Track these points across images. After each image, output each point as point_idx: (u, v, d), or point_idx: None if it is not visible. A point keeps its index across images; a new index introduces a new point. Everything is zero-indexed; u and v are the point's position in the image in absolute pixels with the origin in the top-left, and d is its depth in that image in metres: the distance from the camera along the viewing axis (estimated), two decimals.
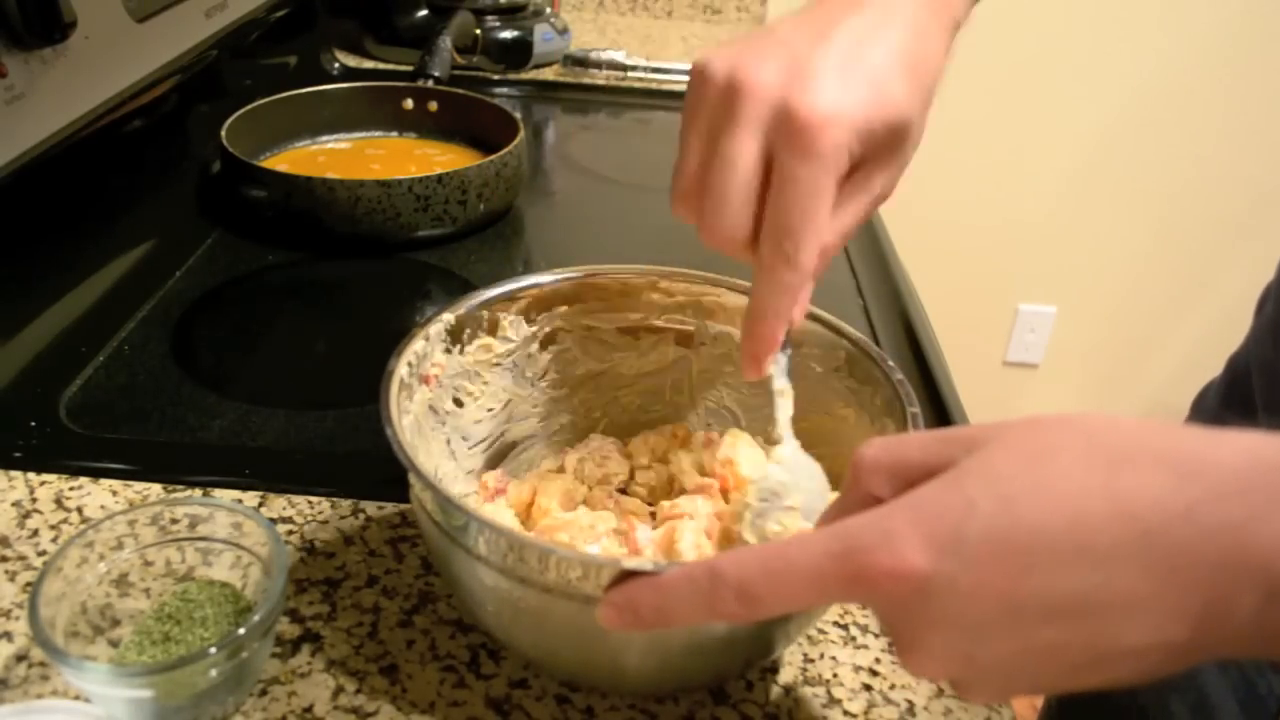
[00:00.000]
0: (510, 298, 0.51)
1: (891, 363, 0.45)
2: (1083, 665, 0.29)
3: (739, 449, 0.49)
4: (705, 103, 0.39)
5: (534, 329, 0.53)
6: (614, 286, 0.52)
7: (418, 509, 0.42)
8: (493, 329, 0.51)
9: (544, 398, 0.54)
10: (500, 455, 0.53)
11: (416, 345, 0.47)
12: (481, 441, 0.52)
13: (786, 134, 0.37)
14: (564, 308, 0.53)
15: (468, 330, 0.50)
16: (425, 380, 0.48)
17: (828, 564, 0.30)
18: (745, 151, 0.38)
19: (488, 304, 0.50)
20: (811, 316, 0.49)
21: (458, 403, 0.51)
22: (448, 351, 0.49)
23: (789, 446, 0.44)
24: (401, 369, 0.45)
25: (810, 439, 0.50)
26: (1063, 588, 0.28)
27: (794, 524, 0.42)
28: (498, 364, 0.52)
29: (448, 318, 0.49)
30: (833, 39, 0.38)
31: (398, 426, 0.41)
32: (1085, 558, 0.27)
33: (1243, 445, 0.28)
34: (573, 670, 0.43)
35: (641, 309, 0.53)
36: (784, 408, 0.44)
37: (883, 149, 0.39)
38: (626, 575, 0.34)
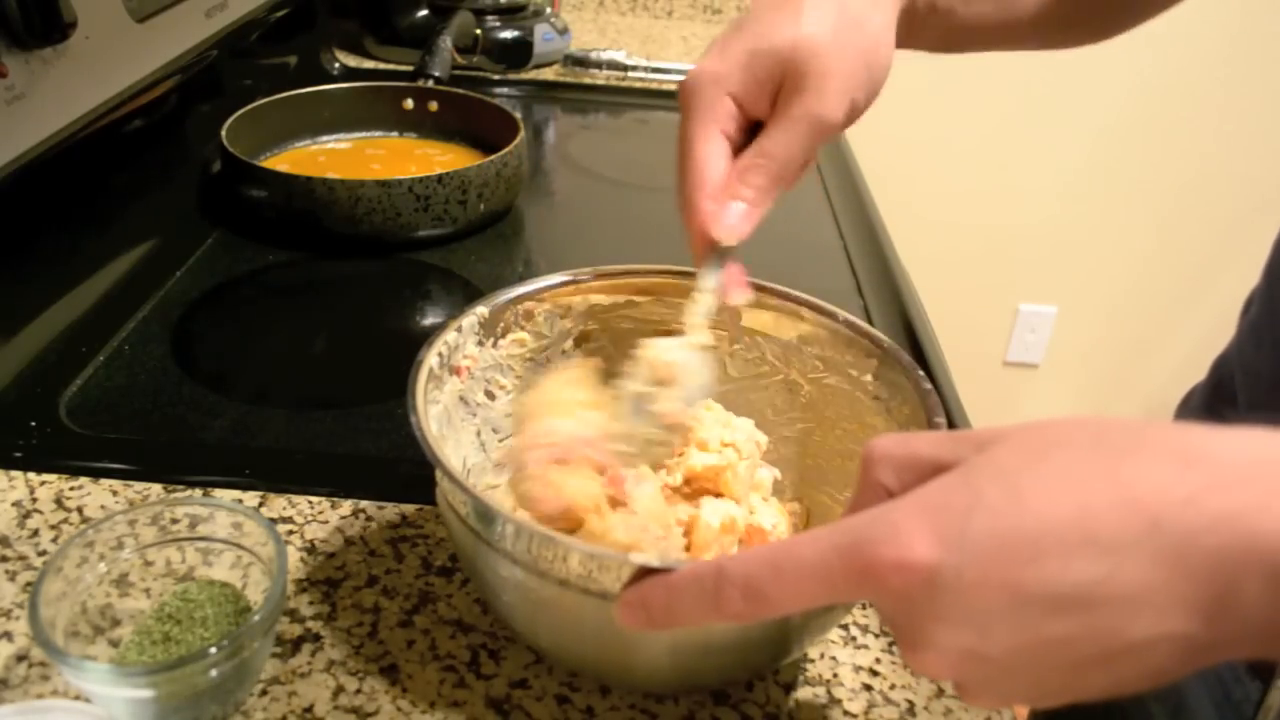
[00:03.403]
0: (544, 293, 0.51)
1: (921, 373, 0.45)
2: (1090, 662, 0.29)
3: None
4: None
5: (568, 325, 0.53)
6: (650, 286, 0.53)
7: (441, 500, 0.42)
8: (527, 324, 0.51)
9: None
10: None
11: (448, 336, 0.47)
12: (512, 434, 0.52)
13: (680, 100, 0.44)
14: (599, 305, 0.53)
15: (501, 324, 0.50)
16: (456, 371, 0.48)
17: (834, 559, 0.30)
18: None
19: (522, 299, 0.51)
20: (848, 324, 0.49)
21: (489, 395, 0.51)
22: (480, 344, 0.50)
23: (699, 338, 0.45)
24: (431, 359, 0.45)
25: (840, 445, 0.50)
26: (1069, 578, 0.28)
27: (673, 409, 0.43)
28: (531, 359, 0.52)
29: (481, 310, 0.49)
30: (729, 26, 0.44)
31: (422, 415, 0.41)
32: (1092, 547, 0.27)
33: (1244, 438, 0.28)
34: (602, 669, 0.43)
35: (677, 309, 0.53)
36: (705, 302, 0.45)
37: (789, 75, 0.42)
38: (643, 573, 0.34)
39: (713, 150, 0.43)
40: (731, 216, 0.43)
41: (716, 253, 0.44)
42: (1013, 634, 0.29)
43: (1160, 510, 0.27)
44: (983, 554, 0.28)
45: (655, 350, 0.43)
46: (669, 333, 0.53)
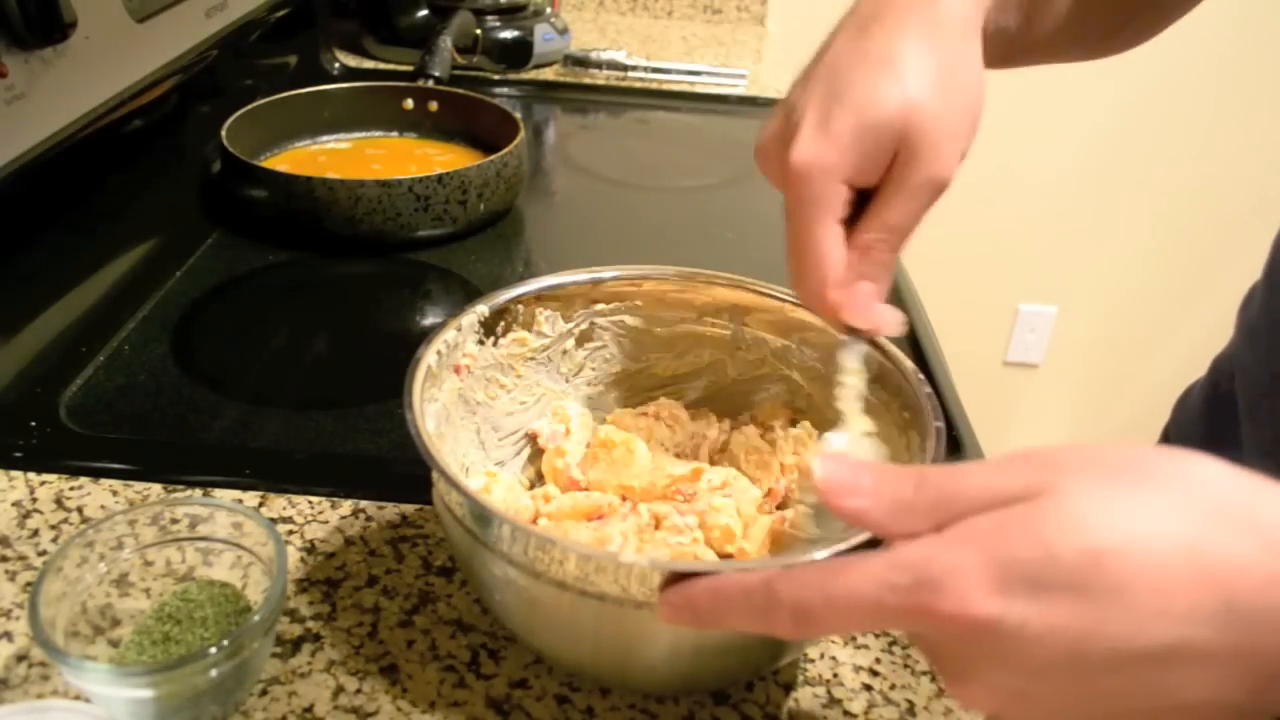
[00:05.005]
0: (546, 293, 0.51)
1: (921, 376, 0.45)
2: (1137, 714, 0.29)
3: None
4: None
5: (570, 325, 0.53)
6: (652, 287, 0.53)
7: (437, 500, 0.42)
8: (528, 323, 0.51)
9: (578, 394, 0.54)
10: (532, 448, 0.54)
11: (448, 335, 0.47)
12: (513, 434, 0.52)
13: (785, 188, 0.42)
14: (600, 305, 0.53)
15: (502, 323, 0.50)
16: (456, 370, 0.48)
17: (889, 596, 0.29)
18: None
19: (523, 298, 0.51)
20: (848, 330, 0.49)
21: (489, 394, 0.51)
22: (480, 343, 0.50)
23: (859, 426, 0.43)
24: (430, 357, 0.45)
25: None
26: (1136, 644, 0.28)
27: None
28: (532, 358, 0.52)
29: (481, 309, 0.49)
30: (816, 83, 0.42)
31: (419, 413, 0.41)
32: (1164, 618, 0.27)
33: None
34: (599, 670, 0.43)
35: (679, 310, 0.53)
36: (854, 385, 0.44)
37: (902, 144, 0.40)
38: (679, 577, 0.34)
39: (834, 243, 0.41)
40: (867, 300, 0.42)
41: (849, 330, 0.43)
42: (1067, 683, 0.29)
43: (1237, 589, 0.27)
44: (1050, 610, 0.28)
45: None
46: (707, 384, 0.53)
